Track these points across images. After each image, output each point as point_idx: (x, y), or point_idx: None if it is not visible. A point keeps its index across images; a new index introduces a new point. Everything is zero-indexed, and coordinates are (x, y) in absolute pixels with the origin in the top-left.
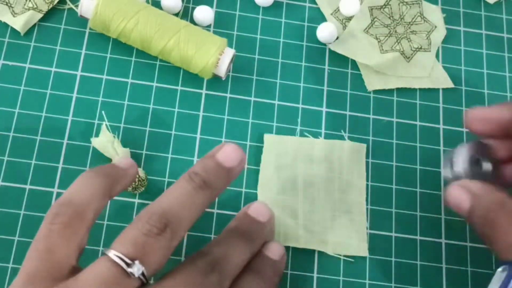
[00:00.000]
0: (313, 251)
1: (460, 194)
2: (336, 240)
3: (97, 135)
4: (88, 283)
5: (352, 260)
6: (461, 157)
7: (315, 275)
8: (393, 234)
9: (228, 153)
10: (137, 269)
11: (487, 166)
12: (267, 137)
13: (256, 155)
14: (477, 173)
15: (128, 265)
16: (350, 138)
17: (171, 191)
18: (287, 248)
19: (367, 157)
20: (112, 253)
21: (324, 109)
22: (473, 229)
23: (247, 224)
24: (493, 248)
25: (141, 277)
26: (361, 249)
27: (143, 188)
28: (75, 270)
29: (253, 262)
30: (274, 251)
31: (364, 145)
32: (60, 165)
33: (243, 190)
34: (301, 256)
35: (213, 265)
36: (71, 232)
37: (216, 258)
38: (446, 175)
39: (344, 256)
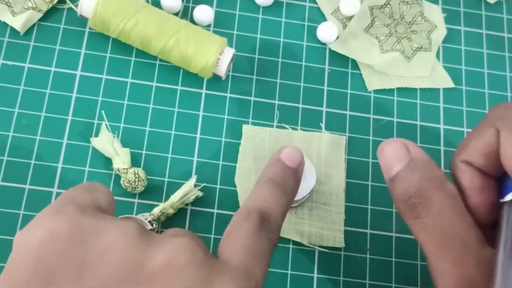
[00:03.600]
0: (313, 251)
1: (399, 152)
2: (312, 231)
3: (96, 135)
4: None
5: (327, 250)
6: None
7: (315, 275)
8: (393, 234)
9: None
10: None
11: None
12: (245, 128)
13: None
14: None
15: None
16: (351, 138)
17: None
18: (287, 248)
19: (367, 157)
20: None
21: (324, 109)
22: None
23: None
24: (416, 236)
25: None
26: (337, 240)
27: (143, 188)
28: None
29: (276, 173)
30: (294, 159)
31: (344, 137)
32: (60, 165)
33: None
34: (301, 256)
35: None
36: None
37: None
38: None
39: (320, 247)
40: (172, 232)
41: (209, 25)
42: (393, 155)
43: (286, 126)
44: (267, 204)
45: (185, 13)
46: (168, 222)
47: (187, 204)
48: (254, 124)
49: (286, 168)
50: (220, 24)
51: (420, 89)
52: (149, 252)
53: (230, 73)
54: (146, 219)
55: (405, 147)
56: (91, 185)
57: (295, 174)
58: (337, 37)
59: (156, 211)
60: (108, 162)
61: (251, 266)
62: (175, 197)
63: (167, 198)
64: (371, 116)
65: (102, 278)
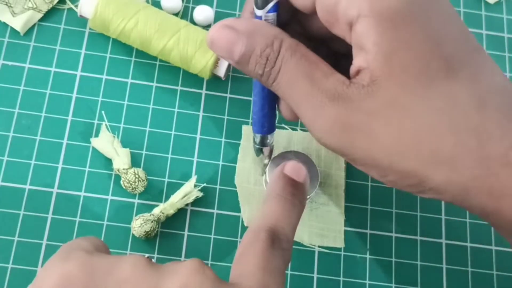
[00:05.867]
0: (313, 251)
1: (228, 36)
2: (312, 231)
3: (97, 135)
4: None
5: (327, 250)
6: None
7: (315, 275)
8: (393, 234)
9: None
10: None
11: None
12: (245, 128)
13: None
14: None
15: None
16: None
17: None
18: None
19: None
20: None
21: None
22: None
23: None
24: (297, 112)
25: None
26: (337, 241)
27: (143, 188)
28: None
29: (283, 189)
30: (299, 173)
31: None
32: (60, 165)
33: None
34: (301, 256)
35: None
36: None
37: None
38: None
39: (320, 247)
40: (175, 262)
41: (209, 25)
42: (228, 42)
43: (286, 126)
44: (277, 221)
45: (185, 13)
46: (168, 222)
47: (187, 204)
48: None
49: (293, 182)
50: None
51: None
52: (163, 280)
53: (230, 73)
54: (146, 219)
55: (230, 27)
56: (86, 236)
57: (302, 187)
58: None
59: (156, 211)
60: (108, 162)
61: (268, 286)
62: (175, 197)
63: (167, 198)
64: None
65: None
